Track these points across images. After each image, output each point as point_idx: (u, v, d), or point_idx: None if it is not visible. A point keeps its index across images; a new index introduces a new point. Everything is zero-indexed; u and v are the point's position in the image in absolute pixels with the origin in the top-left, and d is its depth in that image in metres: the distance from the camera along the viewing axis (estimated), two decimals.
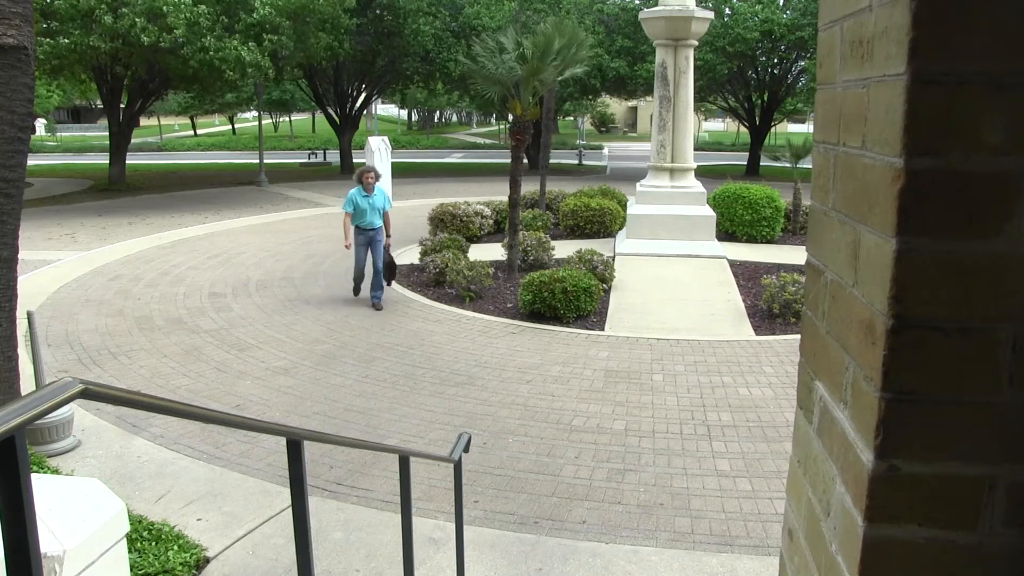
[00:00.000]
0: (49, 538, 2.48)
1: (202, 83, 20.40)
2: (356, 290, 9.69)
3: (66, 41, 15.72)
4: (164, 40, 16.16)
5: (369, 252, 9.33)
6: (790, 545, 1.27)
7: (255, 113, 37.74)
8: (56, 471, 4.84)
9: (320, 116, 36.77)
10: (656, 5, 12.44)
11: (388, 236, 9.32)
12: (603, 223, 13.66)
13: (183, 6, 16.03)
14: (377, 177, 9.24)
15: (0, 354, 4.62)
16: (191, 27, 16.16)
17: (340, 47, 21.17)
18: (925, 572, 0.90)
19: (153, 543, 3.99)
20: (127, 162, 23.30)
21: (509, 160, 10.99)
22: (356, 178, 9.27)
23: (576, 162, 32.51)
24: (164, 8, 15.81)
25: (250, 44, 17.18)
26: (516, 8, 25.52)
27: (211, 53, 16.50)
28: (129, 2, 15.96)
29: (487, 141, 48.96)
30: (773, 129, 32.38)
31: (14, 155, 4.38)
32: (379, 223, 9.20)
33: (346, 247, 9.25)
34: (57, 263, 11.78)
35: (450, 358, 7.46)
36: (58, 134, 52.55)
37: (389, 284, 9.59)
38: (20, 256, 4.77)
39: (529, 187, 14.92)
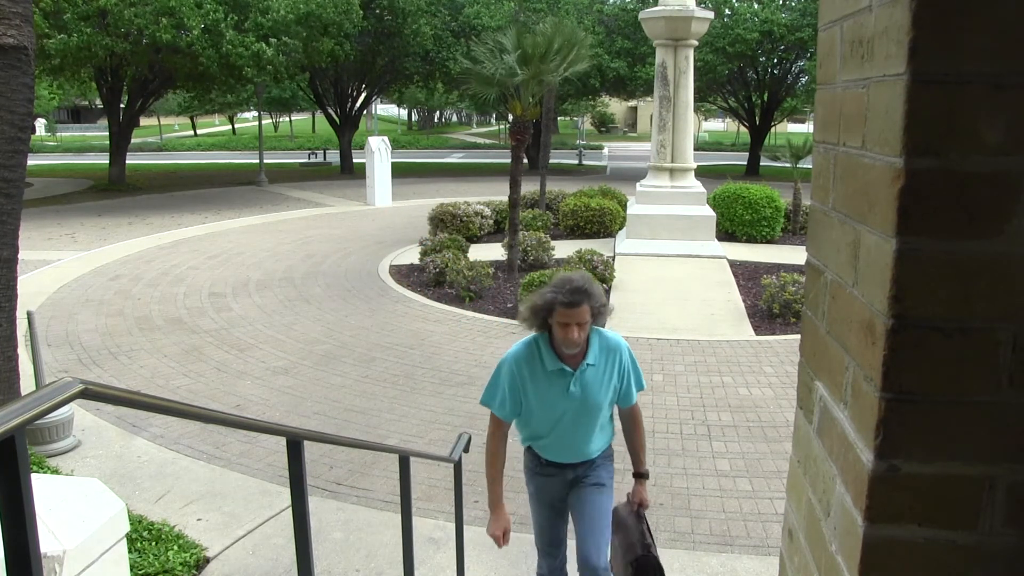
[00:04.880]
0: (49, 538, 2.48)
1: (212, 81, 20.42)
2: None
3: (76, 40, 15.72)
4: (181, 40, 16.25)
5: (568, 521, 3.34)
6: (790, 545, 1.27)
7: (255, 113, 37.76)
8: (56, 471, 4.84)
9: (320, 116, 36.78)
10: (656, 5, 12.44)
11: (642, 475, 3.30)
12: (603, 223, 13.66)
13: (200, 6, 16.14)
14: (597, 314, 2.92)
15: (0, 354, 4.62)
16: (207, 27, 16.29)
17: (342, 50, 21.23)
18: (925, 572, 0.90)
19: (153, 543, 3.99)
20: (127, 162, 23.30)
21: (509, 160, 10.99)
22: (535, 314, 2.94)
23: (576, 162, 32.52)
24: (177, 7, 15.86)
25: (271, 40, 17.35)
26: (516, 8, 25.52)
27: (229, 48, 16.59)
28: (139, 0, 16.00)
29: (487, 141, 48.96)
30: (773, 129, 32.38)
31: (14, 155, 4.38)
32: (598, 445, 3.17)
33: (496, 540, 3.21)
34: (57, 263, 11.78)
35: (450, 358, 7.46)
36: (58, 134, 52.55)
37: None
38: (20, 256, 4.77)
39: (529, 187, 14.92)
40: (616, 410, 3.20)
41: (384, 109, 66.33)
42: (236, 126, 58.80)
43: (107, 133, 23.11)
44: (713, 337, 8.10)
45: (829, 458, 1.05)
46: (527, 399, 3.04)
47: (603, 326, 3.05)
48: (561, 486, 3.24)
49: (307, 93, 29.91)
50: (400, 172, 24.12)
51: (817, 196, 1.15)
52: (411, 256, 12.03)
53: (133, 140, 26.90)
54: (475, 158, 35.41)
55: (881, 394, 0.87)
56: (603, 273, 9.68)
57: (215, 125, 64.27)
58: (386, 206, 18.89)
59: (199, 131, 56.72)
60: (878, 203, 0.88)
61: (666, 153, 12.42)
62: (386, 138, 20.35)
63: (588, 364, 2.99)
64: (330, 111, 27.90)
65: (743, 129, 34.01)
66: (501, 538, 3.22)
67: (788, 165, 15.20)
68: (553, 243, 11.67)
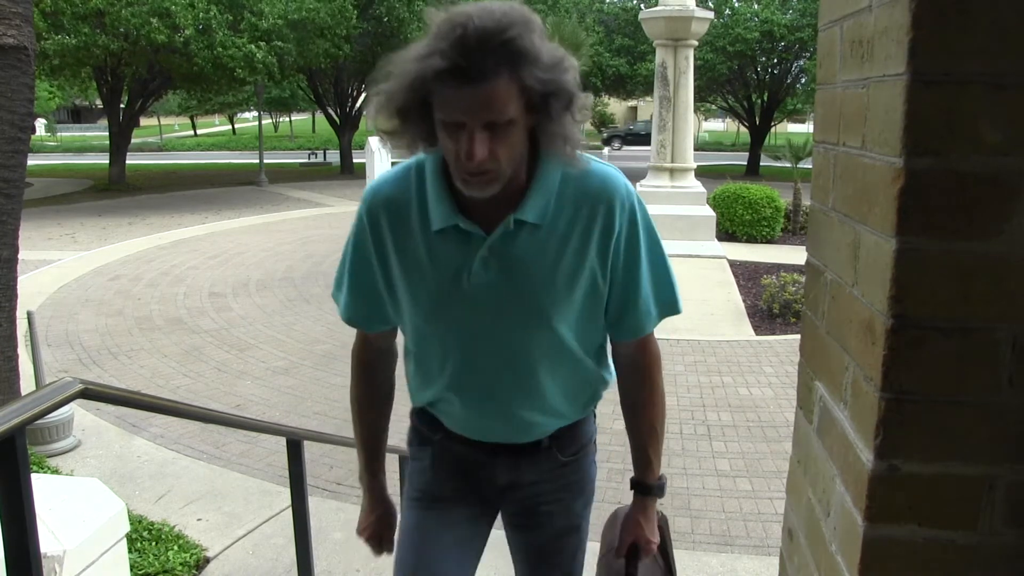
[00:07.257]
0: (49, 538, 2.48)
1: (206, 82, 20.45)
2: None
3: (73, 40, 15.73)
4: (175, 39, 16.28)
5: (477, 558, 1.82)
6: (790, 545, 1.27)
7: (255, 113, 37.77)
8: (56, 471, 4.84)
9: (320, 116, 36.78)
10: (656, 5, 12.44)
11: (647, 488, 1.62)
12: None
13: (193, 6, 16.16)
14: (545, 110, 1.19)
15: (0, 354, 4.62)
16: (199, 28, 16.32)
17: (339, 51, 21.24)
18: (925, 572, 0.90)
19: (153, 543, 3.99)
20: (127, 162, 23.29)
21: None
22: (391, 102, 1.20)
23: None
24: (171, 7, 15.88)
25: (260, 43, 17.39)
26: None
27: (220, 49, 16.63)
28: (136, 1, 16.03)
29: None
30: (773, 129, 32.38)
31: (14, 155, 4.37)
32: (550, 412, 1.48)
33: (371, 544, 1.75)
34: (57, 263, 11.78)
35: None
36: (58, 134, 52.54)
37: None
38: (20, 256, 4.77)
39: None
40: (609, 348, 1.55)
41: None
42: (236, 126, 58.78)
43: (107, 133, 23.10)
44: (713, 337, 8.10)
45: (829, 458, 1.05)
46: (391, 287, 1.47)
47: (570, 148, 1.30)
48: (479, 482, 1.67)
49: (307, 93, 29.89)
50: None
51: (817, 196, 1.15)
52: None
53: (133, 140, 26.90)
54: None
55: (881, 394, 0.87)
56: None
57: (215, 125, 64.25)
58: None
59: (199, 131, 56.71)
60: (878, 203, 0.88)
61: (666, 153, 12.42)
62: None
63: (520, 220, 1.33)
64: (330, 111, 27.88)
65: (743, 129, 34.00)
66: (376, 540, 1.75)
67: (788, 165, 15.20)
68: None
